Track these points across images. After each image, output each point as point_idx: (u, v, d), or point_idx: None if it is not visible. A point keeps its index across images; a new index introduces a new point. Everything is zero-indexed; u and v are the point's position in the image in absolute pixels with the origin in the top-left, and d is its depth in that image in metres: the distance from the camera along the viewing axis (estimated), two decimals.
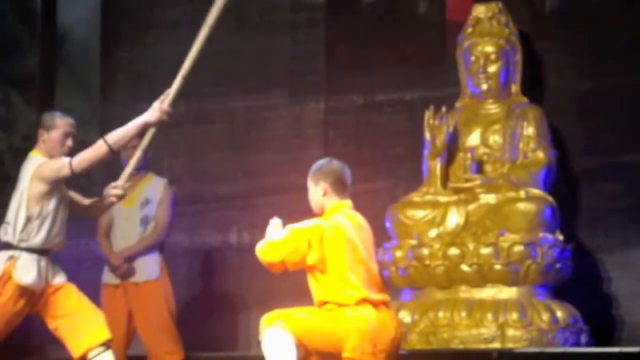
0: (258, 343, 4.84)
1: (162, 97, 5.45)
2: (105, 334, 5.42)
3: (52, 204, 5.45)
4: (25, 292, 5.42)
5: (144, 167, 6.52)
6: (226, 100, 8.06)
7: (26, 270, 5.39)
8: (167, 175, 6.79)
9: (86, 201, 5.69)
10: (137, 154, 5.55)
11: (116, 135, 5.41)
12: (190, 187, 7.70)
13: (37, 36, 8.31)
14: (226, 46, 8.02)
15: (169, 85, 8.09)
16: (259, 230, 5.21)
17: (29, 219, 5.42)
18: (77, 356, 5.43)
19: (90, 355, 5.40)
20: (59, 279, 5.53)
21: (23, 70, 8.27)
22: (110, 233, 6.54)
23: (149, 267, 6.44)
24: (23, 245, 5.42)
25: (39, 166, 5.45)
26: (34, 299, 5.47)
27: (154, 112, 5.42)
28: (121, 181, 5.53)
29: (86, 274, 6.67)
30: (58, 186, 5.48)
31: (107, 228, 6.54)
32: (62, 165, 5.39)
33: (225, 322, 7.66)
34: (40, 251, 5.45)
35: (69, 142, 5.53)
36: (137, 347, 6.58)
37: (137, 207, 6.50)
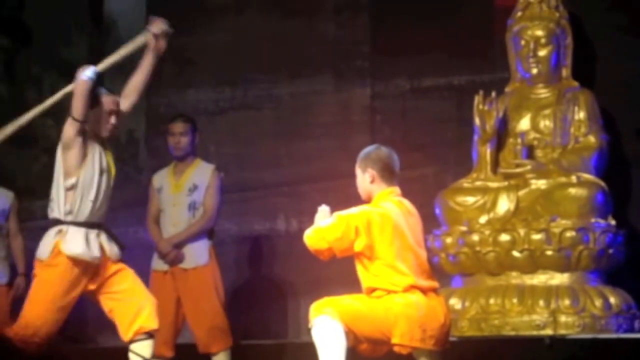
0: (308, 331, 4.83)
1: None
2: (153, 323, 5.44)
3: (89, 173, 5.47)
4: (78, 265, 5.43)
5: (191, 153, 6.54)
6: (272, 86, 8.05)
7: (73, 241, 5.41)
8: (213, 163, 6.78)
9: (130, 92, 5.64)
10: (123, 52, 5.66)
11: (86, 68, 5.46)
12: (237, 174, 7.69)
13: (84, 26, 8.34)
14: (271, 32, 8.02)
15: (215, 71, 8.15)
16: (307, 217, 5.19)
17: (67, 189, 5.44)
18: (126, 340, 5.47)
19: (134, 339, 5.43)
20: (116, 251, 5.54)
21: (71, 60, 8.31)
22: (159, 219, 6.55)
23: (198, 254, 6.44)
24: (70, 218, 5.45)
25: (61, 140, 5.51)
26: (89, 273, 5.47)
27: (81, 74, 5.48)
28: (140, 39, 5.64)
29: (135, 261, 6.67)
30: (91, 155, 5.48)
31: (156, 214, 6.55)
32: (68, 123, 5.44)
33: (274, 310, 7.66)
34: (87, 224, 5.47)
35: (113, 120, 5.54)
36: (186, 335, 6.58)
37: (185, 193, 6.51)
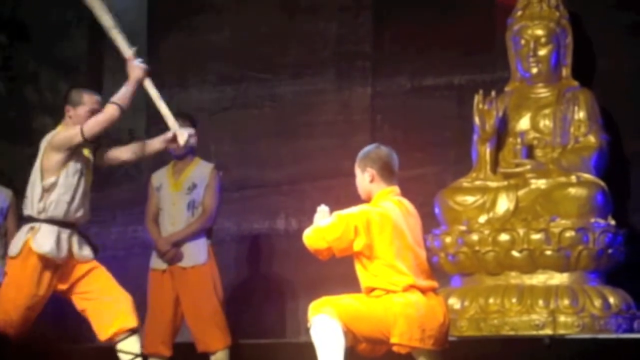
0: (307, 330, 4.82)
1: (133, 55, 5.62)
2: (132, 322, 5.44)
3: (70, 175, 5.47)
4: (47, 264, 5.43)
5: (191, 152, 6.54)
6: (273, 85, 8.05)
7: (44, 239, 5.42)
8: (214, 161, 6.79)
9: (125, 151, 5.71)
10: (160, 104, 5.67)
11: (121, 95, 5.50)
12: (238, 172, 7.69)
13: (85, 23, 8.33)
14: (273, 31, 8.01)
15: (216, 69, 8.15)
16: (307, 216, 5.18)
17: (44, 189, 5.45)
18: (102, 339, 5.47)
19: (116, 339, 5.44)
20: (86, 253, 5.54)
21: (71, 57, 8.31)
22: (158, 218, 6.55)
23: (196, 252, 6.44)
24: (43, 216, 5.45)
25: (52, 137, 5.50)
26: (58, 273, 5.47)
27: (135, 69, 5.57)
28: (171, 121, 5.67)
29: (135, 259, 6.69)
30: (75, 157, 5.48)
31: (155, 213, 6.55)
32: (75, 133, 5.44)
33: (273, 309, 7.66)
34: (61, 223, 5.46)
35: None
36: (185, 334, 6.58)
37: (185, 192, 6.50)
